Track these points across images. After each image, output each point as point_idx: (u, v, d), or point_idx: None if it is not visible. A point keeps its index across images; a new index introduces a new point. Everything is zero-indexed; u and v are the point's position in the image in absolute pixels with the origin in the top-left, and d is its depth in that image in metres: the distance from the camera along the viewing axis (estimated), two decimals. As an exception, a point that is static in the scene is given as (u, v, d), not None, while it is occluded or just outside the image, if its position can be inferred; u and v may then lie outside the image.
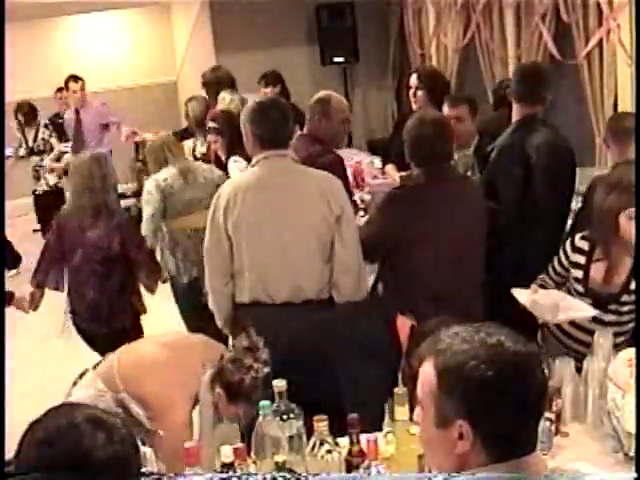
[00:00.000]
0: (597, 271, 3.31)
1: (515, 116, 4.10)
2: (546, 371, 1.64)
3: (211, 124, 5.25)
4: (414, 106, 5.05)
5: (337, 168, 3.97)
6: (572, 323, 3.46)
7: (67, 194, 4.44)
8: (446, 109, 4.57)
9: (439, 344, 1.58)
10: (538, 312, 3.34)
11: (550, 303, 3.31)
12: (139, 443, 2.56)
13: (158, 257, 4.84)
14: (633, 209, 3.16)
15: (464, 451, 1.54)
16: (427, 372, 1.58)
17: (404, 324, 3.16)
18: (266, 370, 2.96)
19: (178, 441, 2.70)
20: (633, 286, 3.25)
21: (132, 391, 3.05)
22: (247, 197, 3.51)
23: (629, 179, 3.25)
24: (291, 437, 2.60)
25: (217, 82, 6.64)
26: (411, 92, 5.12)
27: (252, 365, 2.95)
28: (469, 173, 4.48)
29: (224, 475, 2.21)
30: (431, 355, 1.58)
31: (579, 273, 3.37)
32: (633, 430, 2.53)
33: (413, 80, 5.14)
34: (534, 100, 4.08)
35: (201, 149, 6.35)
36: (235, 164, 4.94)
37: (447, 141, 3.78)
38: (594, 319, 3.26)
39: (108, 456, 1.55)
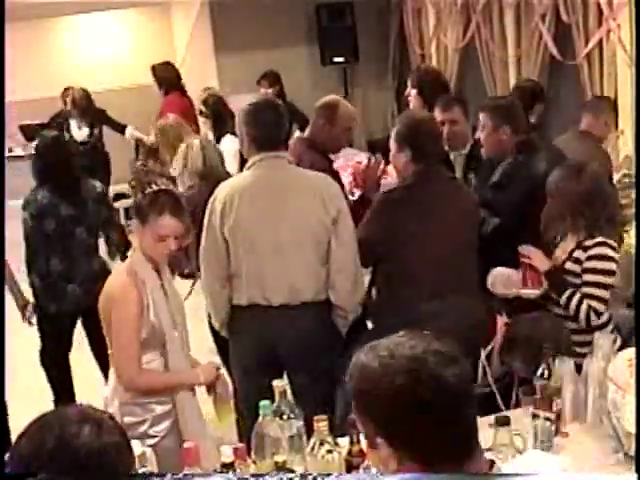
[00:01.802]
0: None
1: (510, 143, 4.10)
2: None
3: (202, 107, 6.16)
4: (410, 106, 5.06)
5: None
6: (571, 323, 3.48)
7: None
8: (438, 112, 4.49)
9: (351, 366, 1.56)
10: (494, 287, 3.65)
11: (504, 279, 3.64)
12: (139, 442, 2.57)
13: None
14: None
15: (396, 466, 1.51)
16: (353, 400, 1.58)
17: (500, 320, 3.33)
18: (166, 184, 3.10)
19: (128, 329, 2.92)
20: (577, 254, 3.39)
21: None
22: (243, 200, 3.49)
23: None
24: (291, 437, 2.60)
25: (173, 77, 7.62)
26: (406, 92, 5.15)
27: (150, 180, 3.06)
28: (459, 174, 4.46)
29: (241, 475, 2.22)
30: (350, 379, 1.57)
31: None
32: (633, 430, 2.53)
33: (409, 81, 5.16)
34: (521, 129, 4.14)
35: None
36: (231, 144, 5.55)
37: (435, 141, 3.77)
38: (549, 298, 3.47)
39: (94, 448, 1.54)
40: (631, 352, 2.73)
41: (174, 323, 3.10)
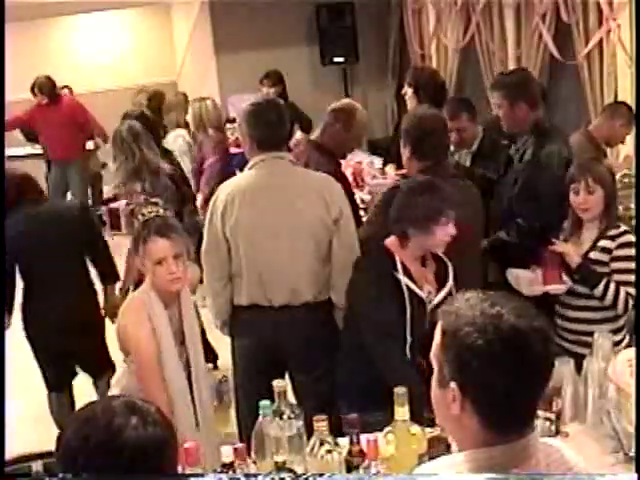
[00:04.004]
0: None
1: (529, 117, 4.10)
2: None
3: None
4: (407, 105, 5.09)
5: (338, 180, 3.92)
6: (572, 322, 3.49)
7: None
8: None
9: (449, 306, 1.64)
10: (519, 287, 3.63)
11: (527, 280, 3.64)
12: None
13: None
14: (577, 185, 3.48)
15: (457, 413, 1.58)
16: (437, 331, 1.64)
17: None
18: (158, 210, 3.09)
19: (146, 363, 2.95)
20: (603, 243, 3.46)
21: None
22: (244, 200, 3.48)
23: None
24: (291, 437, 2.60)
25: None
26: (402, 92, 5.18)
27: (136, 214, 3.15)
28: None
29: (233, 475, 2.23)
30: (443, 315, 1.64)
31: None
32: (633, 430, 2.54)
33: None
34: (537, 102, 4.15)
35: None
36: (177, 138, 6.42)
37: (435, 137, 3.76)
38: (573, 293, 3.54)
39: (139, 437, 1.58)
40: (631, 352, 2.74)
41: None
